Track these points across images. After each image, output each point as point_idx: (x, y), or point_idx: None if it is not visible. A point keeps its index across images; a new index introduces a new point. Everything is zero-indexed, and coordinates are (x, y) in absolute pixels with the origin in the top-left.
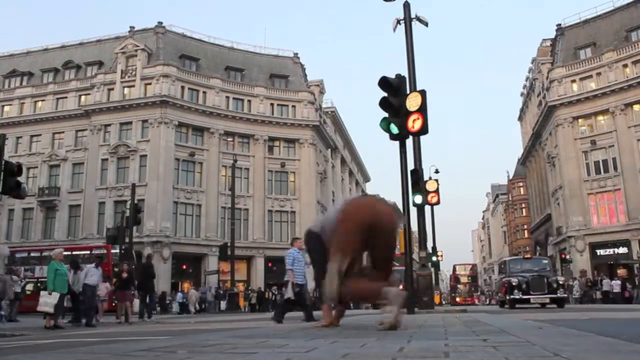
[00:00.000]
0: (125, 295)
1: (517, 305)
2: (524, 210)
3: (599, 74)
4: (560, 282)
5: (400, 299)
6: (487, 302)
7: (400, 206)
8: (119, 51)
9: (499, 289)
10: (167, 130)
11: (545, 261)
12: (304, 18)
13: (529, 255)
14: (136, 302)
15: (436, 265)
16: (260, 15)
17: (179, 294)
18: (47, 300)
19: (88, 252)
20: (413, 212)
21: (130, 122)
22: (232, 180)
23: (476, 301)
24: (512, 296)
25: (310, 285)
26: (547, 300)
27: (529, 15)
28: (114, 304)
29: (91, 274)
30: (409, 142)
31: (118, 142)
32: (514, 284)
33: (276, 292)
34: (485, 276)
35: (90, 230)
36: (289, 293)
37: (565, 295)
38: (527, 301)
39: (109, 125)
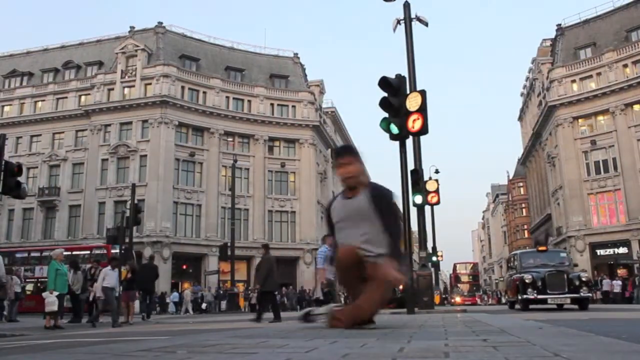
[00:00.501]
0: (128, 295)
1: (531, 307)
2: (524, 210)
3: (599, 74)
4: (584, 279)
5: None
6: (490, 302)
7: (400, 206)
8: (119, 51)
9: (508, 287)
10: (167, 130)
11: (563, 254)
12: (304, 18)
13: (543, 247)
14: (136, 302)
15: (436, 265)
16: (260, 15)
17: (175, 294)
18: (52, 300)
19: (88, 252)
20: (413, 212)
21: (130, 122)
22: (232, 180)
23: (478, 301)
24: (525, 296)
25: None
26: (568, 301)
27: (529, 15)
28: None
29: (109, 277)
30: (409, 142)
31: (118, 142)
32: (527, 281)
33: (276, 293)
34: (486, 276)
35: (90, 230)
36: (317, 293)
37: (590, 294)
38: (544, 301)
39: (109, 125)
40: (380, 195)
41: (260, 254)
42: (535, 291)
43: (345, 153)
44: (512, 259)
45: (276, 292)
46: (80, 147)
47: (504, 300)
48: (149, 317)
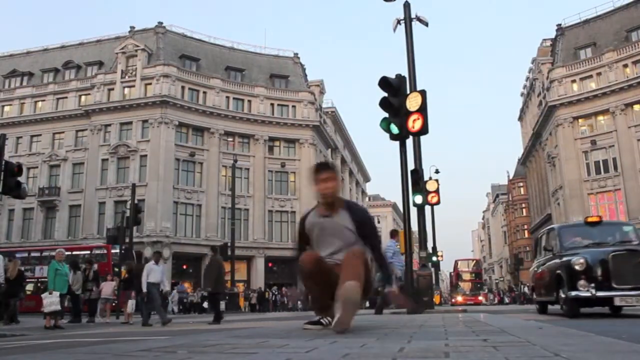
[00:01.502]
0: (126, 295)
1: (582, 309)
2: (524, 210)
3: (599, 74)
4: None
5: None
6: (496, 302)
7: (400, 206)
8: (119, 51)
9: (537, 281)
10: (167, 130)
11: (628, 227)
12: (304, 18)
13: (595, 218)
14: (131, 302)
15: (436, 265)
16: (260, 15)
17: (173, 292)
18: (51, 300)
19: (88, 252)
20: (413, 212)
21: (131, 122)
22: (232, 180)
23: (483, 300)
24: (575, 293)
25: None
26: None
27: (529, 15)
28: (113, 304)
29: (153, 272)
30: (409, 142)
31: (118, 142)
32: (577, 267)
33: (276, 292)
34: (486, 276)
35: (91, 230)
36: (393, 287)
37: None
38: (607, 302)
39: (109, 125)
40: (362, 221)
41: (260, 254)
42: (592, 285)
43: (325, 169)
44: (544, 238)
45: (221, 294)
46: (80, 147)
47: (506, 300)
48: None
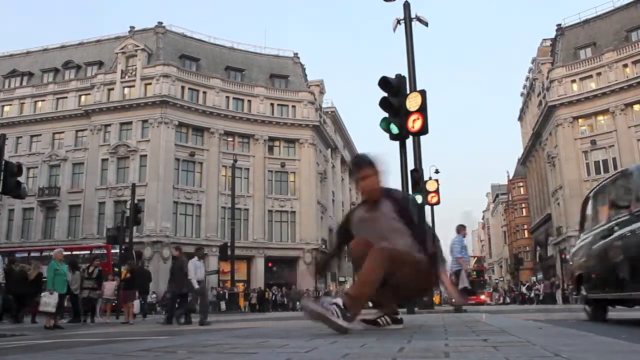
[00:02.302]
0: (127, 295)
1: None
2: (524, 210)
3: (599, 74)
4: None
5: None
6: (501, 301)
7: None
8: (119, 51)
9: (599, 264)
10: (167, 130)
11: None
12: (304, 18)
13: None
14: (136, 303)
15: None
16: (260, 15)
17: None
18: (48, 300)
19: (88, 252)
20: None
21: (130, 122)
22: (232, 180)
23: (487, 299)
24: None
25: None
26: None
27: (529, 15)
28: (113, 304)
29: (199, 267)
30: (409, 142)
31: (118, 142)
32: None
33: (276, 292)
34: (486, 276)
35: (90, 230)
36: (464, 282)
37: None
38: None
39: (109, 125)
40: (403, 207)
41: (260, 254)
42: None
43: (362, 165)
44: (608, 191)
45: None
46: (80, 147)
47: (508, 300)
48: (145, 316)
